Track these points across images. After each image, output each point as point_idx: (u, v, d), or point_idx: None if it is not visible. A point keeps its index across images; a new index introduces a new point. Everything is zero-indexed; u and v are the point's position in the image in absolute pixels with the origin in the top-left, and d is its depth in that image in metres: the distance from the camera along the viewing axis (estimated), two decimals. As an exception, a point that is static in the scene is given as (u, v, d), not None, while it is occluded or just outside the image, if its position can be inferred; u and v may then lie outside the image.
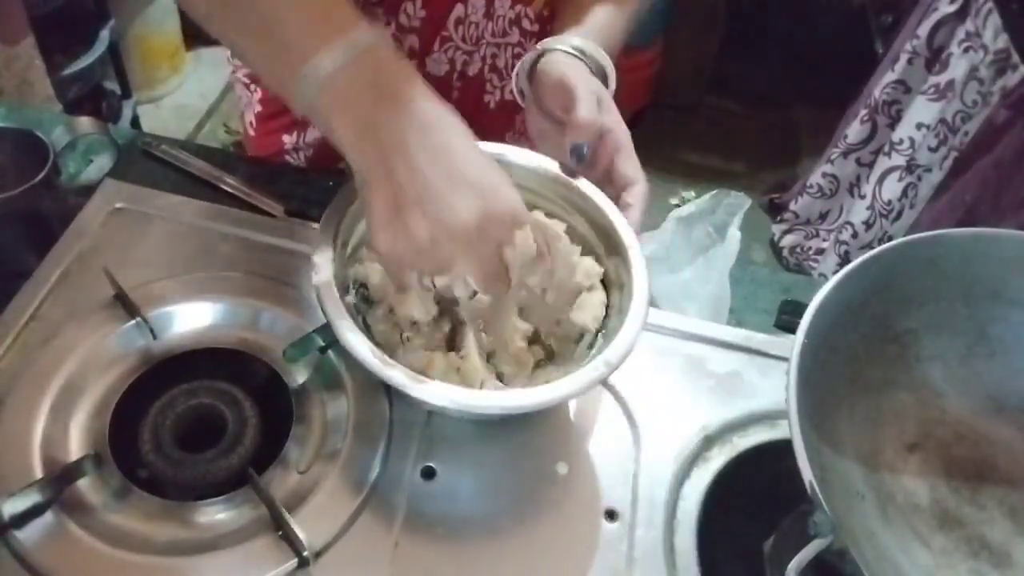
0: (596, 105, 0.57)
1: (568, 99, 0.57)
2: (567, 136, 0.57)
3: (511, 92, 0.78)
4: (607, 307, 0.57)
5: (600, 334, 0.56)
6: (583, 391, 0.49)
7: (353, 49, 0.46)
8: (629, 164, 0.58)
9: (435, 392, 0.47)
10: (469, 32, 0.71)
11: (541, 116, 0.62)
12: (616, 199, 0.58)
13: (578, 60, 0.61)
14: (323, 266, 0.51)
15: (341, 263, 0.54)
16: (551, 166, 0.60)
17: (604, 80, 0.62)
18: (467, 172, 0.47)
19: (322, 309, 0.50)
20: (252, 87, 0.82)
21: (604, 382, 0.50)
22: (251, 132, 0.85)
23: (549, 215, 0.60)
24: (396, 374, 0.47)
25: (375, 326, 0.54)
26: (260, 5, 0.48)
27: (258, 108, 0.83)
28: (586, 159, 0.57)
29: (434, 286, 0.49)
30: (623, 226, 0.56)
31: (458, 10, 0.69)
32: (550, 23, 0.75)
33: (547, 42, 0.62)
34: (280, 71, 0.49)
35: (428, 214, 0.45)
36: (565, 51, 0.61)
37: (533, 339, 0.56)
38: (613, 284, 0.57)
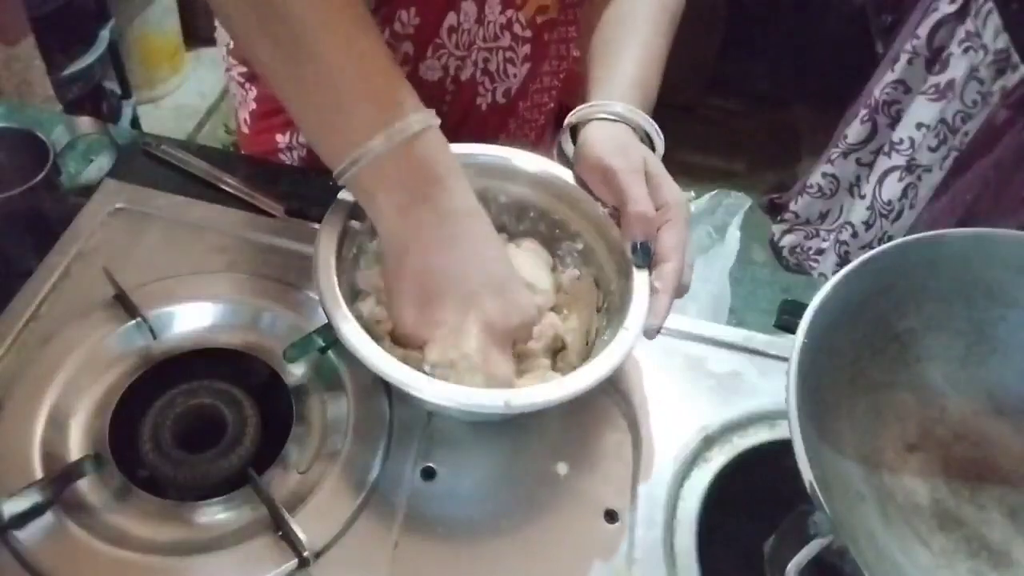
0: (646, 192, 0.54)
1: (614, 190, 0.55)
2: (624, 233, 0.55)
3: (503, 95, 0.78)
4: (603, 300, 0.57)
5: (599, 338, 0.56)
6: (588, 388, 0.49)
7: (405, 133, 0.49)
8: (669, 238, 0.54)
9: (449, 393, 0.48)
10: (461, 39, 0.71)
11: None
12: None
13: (619, 126, 0.58)
14: (326, 271, 0.52)
15: (343, 266, 0.54)
16: (556, 170, 0.60)
17: (650, 143, 0.59)
18: (496, 274, 0.52)
19: (324, 310, 0.50)
20: (247, 85, 0.82)
21: (603, 383, 0.50)
22: (245, 130, 0.85)
23: (555, 223, 0.61)
24: (408, 376, 0.48)
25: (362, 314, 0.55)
26: (324, 66, 0.49)
27: (253, 106, 0.83)
28: (652, 256, 0.54)
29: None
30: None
31: (450, 18, 0.69)
32: (544, 32, 0.75)
33: (580, 111, 0.59)
34: (331, 140, 0.51)
35: (458, 306, 0.50)
36: (603, 119, 0.58)
37: None
38: (609, 279, 0.57)
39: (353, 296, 0.55)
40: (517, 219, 0.62)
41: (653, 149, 0.59)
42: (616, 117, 0.58)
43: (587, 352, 0.56)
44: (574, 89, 0.72)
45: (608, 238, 0.58)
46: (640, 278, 0.54)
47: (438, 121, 0.51)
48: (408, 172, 0.50)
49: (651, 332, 0.52)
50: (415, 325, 0.51)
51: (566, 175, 0.60)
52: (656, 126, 0.59)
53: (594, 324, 0.58)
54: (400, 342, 0.53)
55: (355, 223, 0.56)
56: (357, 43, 0.50)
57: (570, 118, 0.60)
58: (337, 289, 0.51)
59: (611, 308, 0.57)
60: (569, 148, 0.61)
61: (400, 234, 0.50)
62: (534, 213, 0.61)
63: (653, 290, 0.53)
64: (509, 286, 0.52)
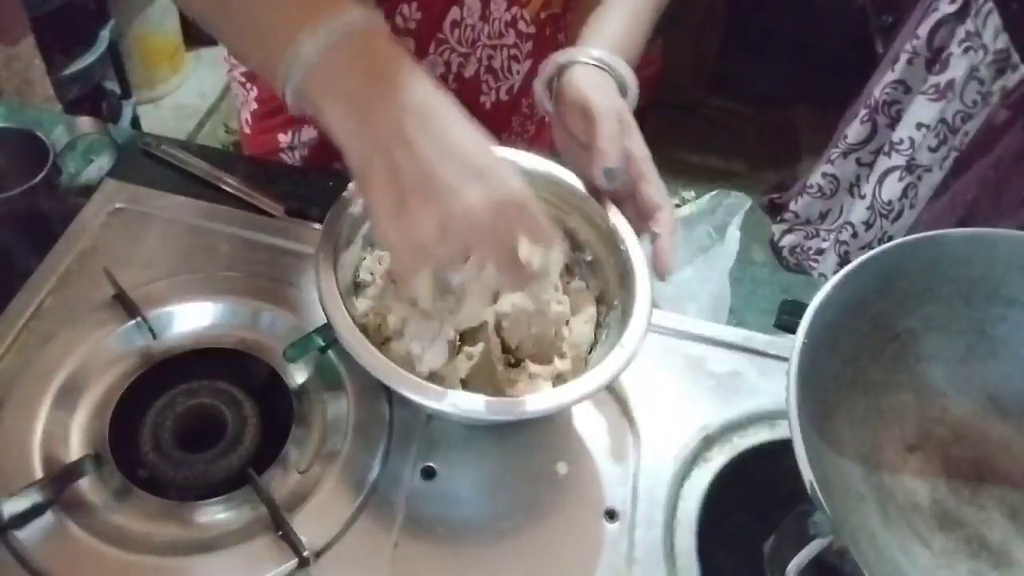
0: (618, 128, 0.56)
1: (589, 123, 0.56)
2: (594, 162, 0.56)
3: (507, 93, 0.77)
4: (605, 314, 0.57)
5: (597, 343, 0.56)
6: (591, 395, 0.49)
7: (341, 30, 0.44)
8: (653, 189, 0.56)
9: (447, 399, 0.48)
10: (465, 34, 0.71)
11: (566, 133, 0.60)
12: (639, 224, 0.57)
13: (601, 72, 0.59)
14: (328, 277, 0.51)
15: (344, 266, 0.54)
16: (558, 171, 0.60)
17: (624, 93, 0.61)
18: (472, 159, 0.44)
19: (326, 313, 0.50)
20: (248, 85, 0.82)
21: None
22: (247, 130, 0.85)
23: (566, 231, 0.60)
24: (411, 383, 0.48)
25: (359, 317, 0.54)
26: None
27: (254, 106, 0.83)
28: (618, 180, 0.56)
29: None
30: (632, 245, 0.56)
31: (453, 12, 0.69)
32: (547, 27, 0.75)
33: (567, 53, 0.60)
34: (266, 59, 0.46)
35: (437, 203, 0.43)
36: (586, 63, 0.59)
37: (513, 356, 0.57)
38: (613, 293, 0.57)
39: (353, 293, 0.55)
40: None
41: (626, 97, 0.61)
42: (597, 62, 0.59)
43: (579, 363, 0.56)
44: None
45: (613, 247, 0.57)
46: (642, 289, 0.54)
47: (384, 24, 0.47)
48: (359, 62, 0.45)
49: (662, 273, 0.54)
50: (398, 240, 0.45)
51: (573, 180, 0.59)
52: (633, 78, 0.61)
53: (586, 339, 0.58)
54: (393, 271, 0.50)
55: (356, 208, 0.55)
56: None
57: (549, 63, 0.61)
58: (337, 290, 0.51)
59: (612, 321, 0.57)
60: (543, 93, 0.62)
61: (358, 142, 0.45)
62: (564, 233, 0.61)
63: (654, 236, 0.55)
64: (489, 165, 0.45)
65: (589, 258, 0.60)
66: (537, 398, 0.49)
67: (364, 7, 0.46)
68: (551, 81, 0.61)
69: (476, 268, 0.47)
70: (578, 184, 0.59)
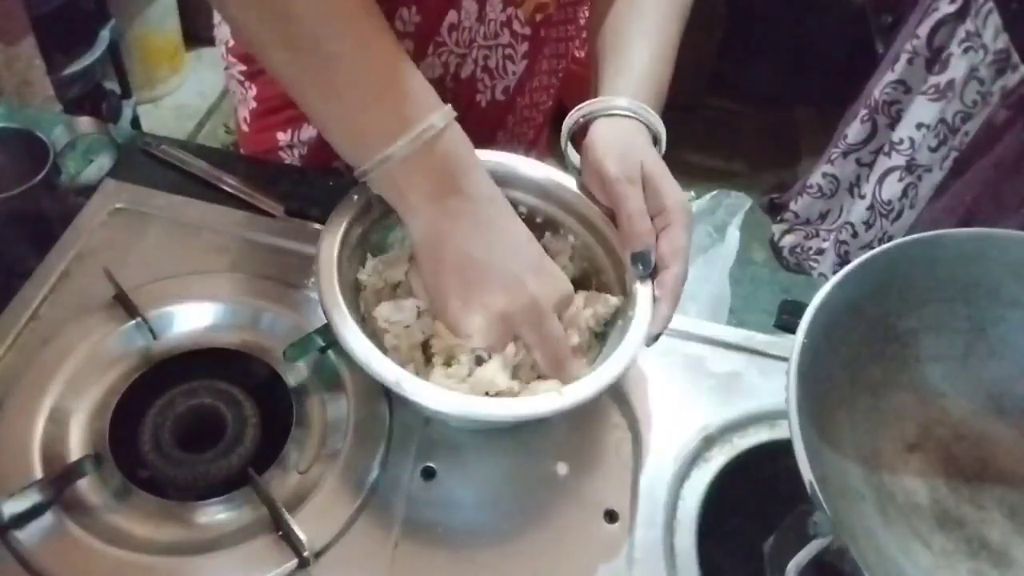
0: (639, 203, 0.54)
1: (611, 199, 0.55)
2: (624, 245, 0.55)
3: (502, 92, 0.77)
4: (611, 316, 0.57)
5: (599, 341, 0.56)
6: (589, 399, 0.49)
7: (431, 131, 0.49)
8: (668, 244, 0.54)
9: (445, 399, 0.48)
10: (462, 36, 0.71)
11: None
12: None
13: (628, 121, 0.57)
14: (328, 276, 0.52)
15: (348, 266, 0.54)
16: (557, 176, 0.59)
17: (656, 141, 0.58)
18: (531, 255, 0.52)
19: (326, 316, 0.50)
20: (247, 84, 0.82)
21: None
22: (244, 128, 0.85)
23: (556, 230, 0.60)
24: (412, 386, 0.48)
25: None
26: (344, 69, 0.49)
27: (253, 105, 0.82)
28: (652, 266, 0.54)
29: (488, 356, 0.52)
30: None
31: (451, 16, 0.69)
32: (542, 28, 0.74)
33: (589, 105, 0.58)
34: (356, 142, 0.51)
35: (502, 290, 0.50)
36: (609, 116, 0.57)
37: None
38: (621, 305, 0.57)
39: (355, 296, 0.55)
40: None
41: (657, 145, 0.58)
42: (622, 112, 0.57)
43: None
44: (574, 90, 0.71)
45: (615, 257, 0.57)
46: (643, 294, 0.54)
47: (455, 114, 0.52)
48: (435, 168, 0.50)
49: (651, 340, 0.53)
50: (459, 313, 0.51)
51: (571, 184, 0.59)
52: (661, 123, 0.58)
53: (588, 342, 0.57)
54: (449, 329, 0.53)
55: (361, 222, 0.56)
56: (375, 42, 0.51)
57: (575, 115, 0.59)
58: (338, 291, 0.51)
59: (611, 323, 0.56)
60: (573, 155, 0.60)
61: (434, 227, 0.51)
62: (562, 231, 0.60)
63: (654, 298, 0.53)
64: (545, 264, 0.53)
65: (585, 265, 0.60)
66: (540, 400, 0.49)
67: (440, 103, 0.51)
68: (573, 136, 0.59)
69: (523, 349, 0.52)
70: (576, 188, 0.59)
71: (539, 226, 0.61)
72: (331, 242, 0.53)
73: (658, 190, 0.54)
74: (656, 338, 0.53)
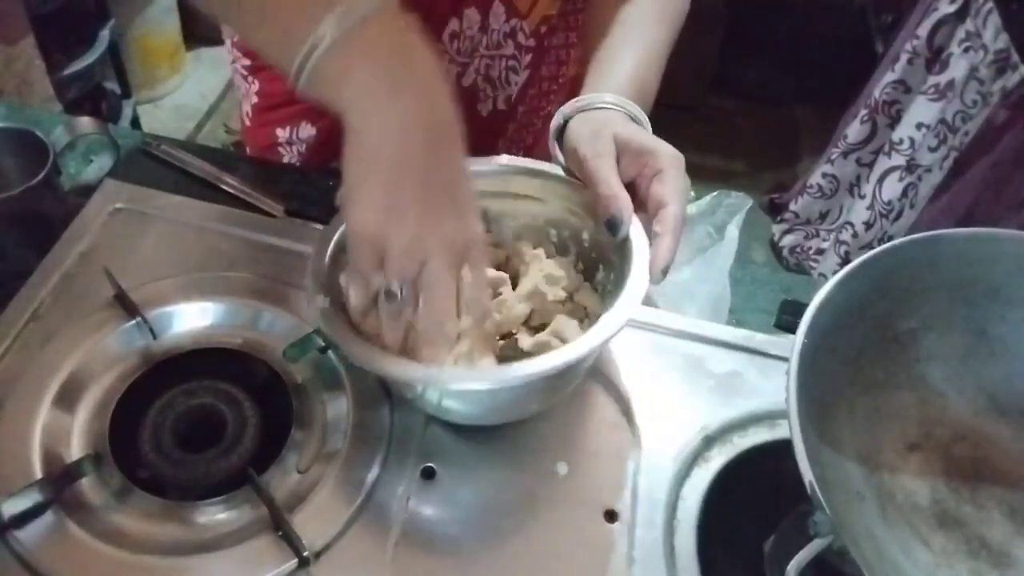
0: (611, 173, 0.54)
1: (586, 177, 0.55)
2: (598, 212, 0.55)
3: (504, 102, 0.77)
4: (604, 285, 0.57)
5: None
6: (613, 335, 0.48)
7: (354, 14, 0.44)
8: (662, 186, 0.54)
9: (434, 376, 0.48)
10: (463, 45, 0.71)
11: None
12: (648, 224, 0.54)
13: (606, 111, 0.57)
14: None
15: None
16: (554, 170, 0.59)
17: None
18: (458, 189, 0.46)
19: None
20: (250, 78, 0.82)
21: (603, 383, 0.50)
22: (247, 123, 0.86)
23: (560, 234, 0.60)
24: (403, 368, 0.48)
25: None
26: None
27: (255, 99, 0.83)
28: (624, 232, 0.54)
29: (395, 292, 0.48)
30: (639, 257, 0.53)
31: (452, 24, 0.69)
32: (546, 39, 0.74)
33: (572, 104, 0.59)
34: (283, 42, 0.46)
35: (420, 219, 0.44)
36: (586, 111, 0.58)
37: None
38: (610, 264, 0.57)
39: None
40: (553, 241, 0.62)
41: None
42: (601, 105, 0.58)
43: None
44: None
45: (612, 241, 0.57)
46: (638, 241, 0.53)
47: (398, 9, 0.46)
48: (371, 53, 0.44)
49: (656, 275, 0.52)
50: (375, 226, 0.45)
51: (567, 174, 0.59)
52: (643, 113, 0.59)
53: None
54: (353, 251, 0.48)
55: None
56: None
57: (558, 117, 0.59)
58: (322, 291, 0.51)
59: (608, 279, 0.56)
60: (559, 153, 0.60)
61: (372, 128, 0.44)
62: (567, 232, 0.60)
63: (654, 234, 0.53)
64: (470, 207, 0.47)
65: (592, 253, 0.60)
66: (529, 364, 0.48)
67: None
68: (560, 133, 0.60)
69: (429, 279, 0.47)
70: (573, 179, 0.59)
71: (566, 240, 0.61)
72: (325, 242, 0.53)
73: (641, 147, 0.54)
74: (664, 272, 0.52)
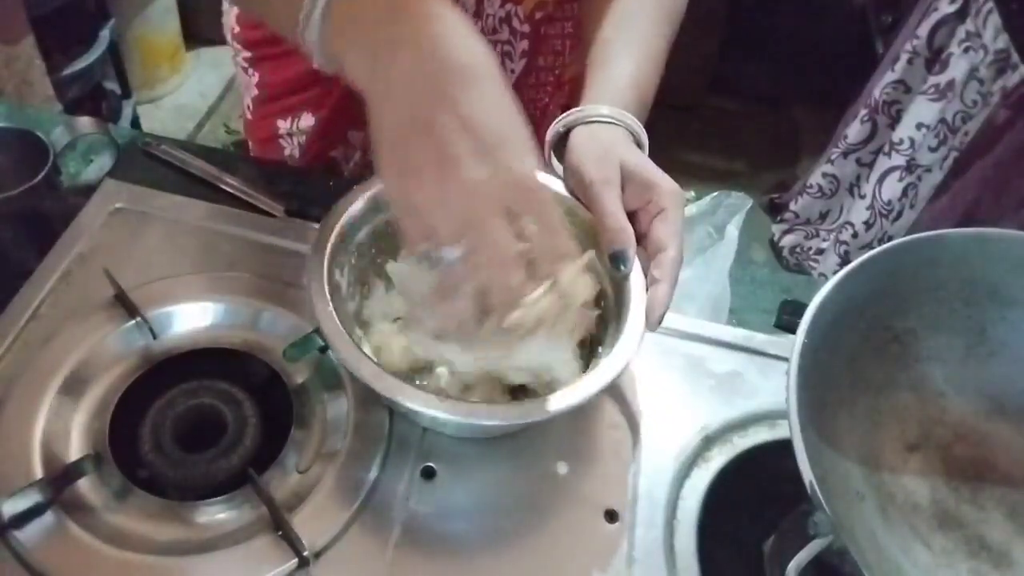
0: (616, 204, 0.53)
1: (589, 202, 0.54)
2: (603, 243, 0.53)
3: None
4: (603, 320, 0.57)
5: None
6: (600, 392, 0.49)
7: None
8: (664, 226, 0.52)
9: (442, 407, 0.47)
10: None
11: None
12: (647, 264, 0.53)
13: (608, 127, 0.56)
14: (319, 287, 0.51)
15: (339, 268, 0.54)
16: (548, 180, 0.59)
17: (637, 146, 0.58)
18: (485, 129, 0.41)
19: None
20: (250, 71, 0.83)
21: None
22: (248, 115, 0.87)
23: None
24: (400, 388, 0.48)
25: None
26: None
27: (255, 91, 0.84)
28: (629, 268, 0.53)
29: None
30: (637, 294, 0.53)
31: None
32: (542, 26, 0.74)
33: (571, 115, 0.58)
34: (286, 7, 0.45)
35: (439, 167, 0.41)
36: (589, 123, 0.56)
37: None
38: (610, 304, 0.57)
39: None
40: None
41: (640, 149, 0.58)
42: (602, 119, 0.57)
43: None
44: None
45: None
46: (636, 284, 0.53)
47: None
48: (360, 20, 0.43)
49: (653, 323, 0.51)
50: (400, 198, 0.42)
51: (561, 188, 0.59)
52: (642, 128, 0.58)
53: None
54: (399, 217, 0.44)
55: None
56: None
57: (555, 126, 0.59)
58: (326, 291, 0.51)
59: (606, 324, 0.56)
60: (556, 165, 0.59)
61: (374, 91, 0.42)
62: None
63: (652, 280, 0.52)
64: (503, 146, 0.42)
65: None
66: (554, 397, 0.48)
67: None
68: (557, 144, 0.59)
69: (466, 261, 0.43)
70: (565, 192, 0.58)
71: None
72: (324, 242, 0.53)
73: (646, 181, 0.54)
74: (660, 320, 0.51)
